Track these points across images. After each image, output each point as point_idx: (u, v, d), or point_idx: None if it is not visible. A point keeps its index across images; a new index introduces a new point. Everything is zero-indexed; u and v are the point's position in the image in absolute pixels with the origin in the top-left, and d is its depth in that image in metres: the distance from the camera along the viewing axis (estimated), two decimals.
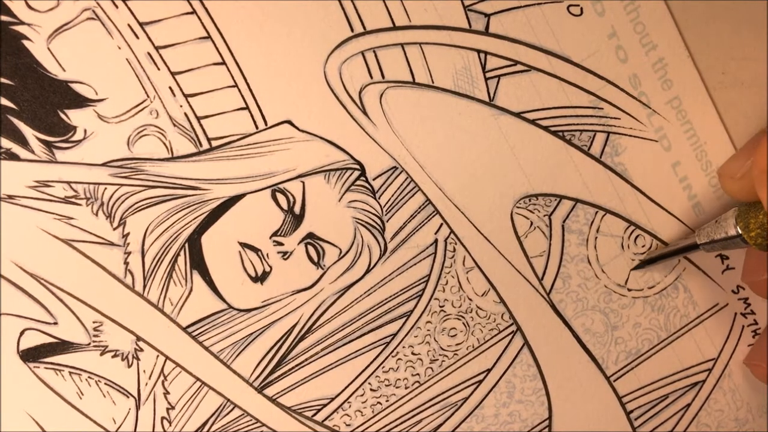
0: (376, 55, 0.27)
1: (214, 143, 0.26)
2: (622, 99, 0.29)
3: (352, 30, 0.26)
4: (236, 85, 0.26)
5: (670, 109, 0.29)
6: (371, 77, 0.27)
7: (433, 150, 0.28)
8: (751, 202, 0.27)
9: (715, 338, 0.32)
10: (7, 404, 0.26)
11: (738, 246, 0.26)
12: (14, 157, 0.25)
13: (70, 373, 0.27)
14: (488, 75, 0.28)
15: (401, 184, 0.28)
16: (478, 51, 0.27)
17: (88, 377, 0.27)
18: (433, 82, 0.27)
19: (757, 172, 0.23)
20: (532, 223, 0.29)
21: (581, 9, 0.28)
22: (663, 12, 0.28)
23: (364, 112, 0.27)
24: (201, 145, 0.26)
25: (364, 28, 0.26)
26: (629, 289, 0.31)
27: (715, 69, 0.28)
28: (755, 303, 0.32)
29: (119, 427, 0.27)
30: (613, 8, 0.28)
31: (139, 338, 0.27)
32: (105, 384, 0.27)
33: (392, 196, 0.28)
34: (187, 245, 0.27)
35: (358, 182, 0.27)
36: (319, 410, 0.29)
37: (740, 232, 0.26)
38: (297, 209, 0.27)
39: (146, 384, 0.27)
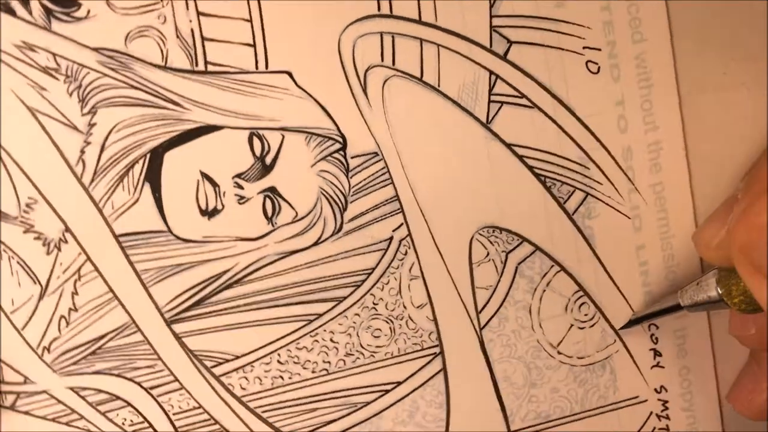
0: (393, 41, 0.26)
1: (210, 68, 0.25)
2: (610, 167, 0.29)
3: (378, 9, 0.26)
4: (251, 20, 0.25)
5: (652, 192, 0.29)
6: (382, 60, 0.27)
7: (418, 150, 0.27)
8: (730, 268, 0.26)
9: (626, 429, 0.31)
10: None
11: (721, 308, 0.25)
12: (11, 11, 0.24)
13: None
14: (493, 98, 0.28)
15: (376, 172, 0.27)
16: (491, 72, 0.27)
17: (4, 249, 0.25)
18: (438, 86, 0.27)
19: (736, 252, 0.22)
20: (488, 254, 0.29)
21: (599, 68, 0.28)
22: (672, 98, 0.28)
23: (364, 91, 0.27)
24: (197, 65, 0.25)
25: (391, 11, 0.26)
26: (559, 353, 0.30)
27: (715, 69, 0.28)
28: (673, 409, 0.31)
29: (16, 309, 0.26)
30: (628, 79, 0.28)
31: (67, 229, 0.26)
32: (17, 263, 0.26)
33: (364, 179, 0.27)
34: (148, 156, 0.26)
35: (335, 155, 0.27)
36: (220, 364, 0.28)
37: (722, 296, 0.25)
38: (268, 160, 0.26)
39: (58, 277, 0.26)
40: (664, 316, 0.29)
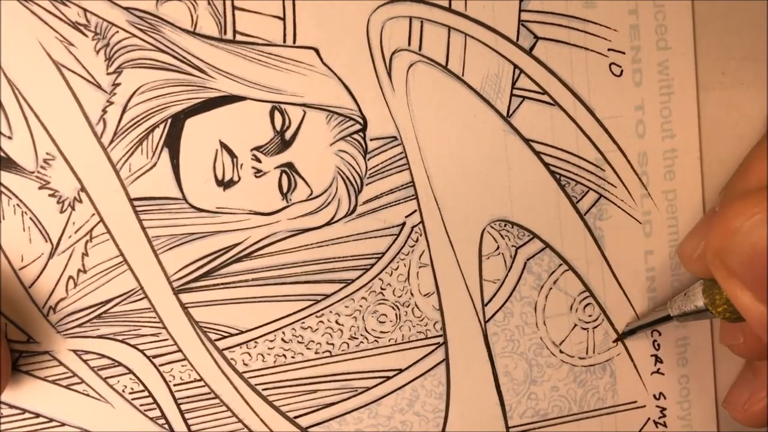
0: (422, 26, 0.25)
1: (238, 38, 0.24)
2: (625, 170, 0.28)
3: None
4: None
5: (664, 199, 0.28)
6: (409, 45, 0.25)
7: (437, 138, 0.26)
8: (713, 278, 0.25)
9: None
10: None
11: (709, 317, 0.25)
12: None
13: (2, 192, 0.24)
14: (515, 92, 0.26)
15: (394, 156, 0.26)
16: (515, 66, 0.26)
17: (17, 204, 0.24)
18: (462, 75, 0.26)
19: (711, 258, 0.22)
20: (498, 248, 0.28)
21: (622, 71, 0.27)
22: (692, 108, 0.27)
23: (389, 75, 0.25)
24: (225, 33, 0.24)
25: None
26: (561, 351, 0.29)
27: (715, 69, 0.27)
28: (670, 416, 0.30)
29: (25, 266, 0.25)
30: (650, 84, 0.27)
31: (83, 188, 0.24)
32: (30, 218, 0.24)
33: (381, 163, 0.26)
34: (169, 121, 0.24)
35: (355, 135, 0.26)
36: (224, 337, 0.26)
37: (707, 306, 0.24)
38: (288, 135, 0.25)
39: (70, 237, 0.25)
40: (654, 327, 0.28)
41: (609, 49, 0.26)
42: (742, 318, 0.23)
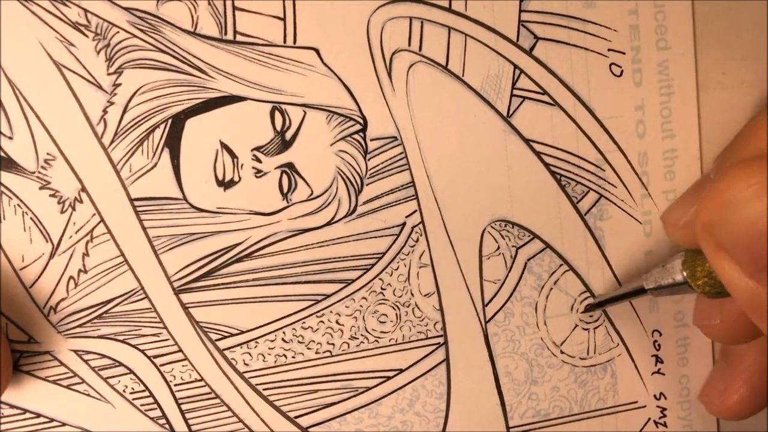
0: (422, 27, 0.25)
1: (239, 38, 0.24)
2: (625, 170, 0.27)
3: None
4: None
5: (664, 199, 0.28)
6: (409, 45, 0.25)
7: (437, 138, 0.26)
8: (697, 249, 0.24)
9: None
10: None
11: (685, 292, 0.23)
12: None
13: (2, 193, 0.24)
14: (515, 92, 0.26)
15: (394, 156, 0.26)
16: (516, 66, 0.26)
17: (18, 204, 0.24)
18: (462, 75, 0.26)
19: (700, 226, 0.20)
20: (498, 248, 0.27)
21: (622, 71, 0.27)
22: (692, 108, 0.27)
23: (389, 75, 0.25)
24: (226, 33, 0.24)
25: None
26: (562, 352, 0.29)
27: (715, 69, 0.27)
28: (670, 416, 0.30)
29: (26, 266, 0.24)
30: (650, 85, 0.27)
31: (83, 189, 0.24)
32: (31, 219, 0.24)
33: (381, 163, 0.26)
34: (170, 121, 0.24)
35: (355, 136, 0.26)
36: (225, 337, 0.26)
37: (687, 279, 0.23)
38: (288, 135, 0.25)
39: (71, 237, 0.25)
40: (628, 300, 0.27)
41: (609, 50, 0.26)
42: (721, 294, 0.21)
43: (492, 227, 0.27)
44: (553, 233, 0.27)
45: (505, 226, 0.27)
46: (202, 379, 0.26)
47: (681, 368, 0.29)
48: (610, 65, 0.26)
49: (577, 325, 0.28)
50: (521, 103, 0.26)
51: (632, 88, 0.27)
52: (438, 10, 0.25)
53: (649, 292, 0.25)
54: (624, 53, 0.26)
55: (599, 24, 0.26)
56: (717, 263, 0.20)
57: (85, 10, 0.23)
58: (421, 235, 0.27)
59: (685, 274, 0.23)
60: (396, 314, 0.27)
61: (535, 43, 0.26)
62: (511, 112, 0.26)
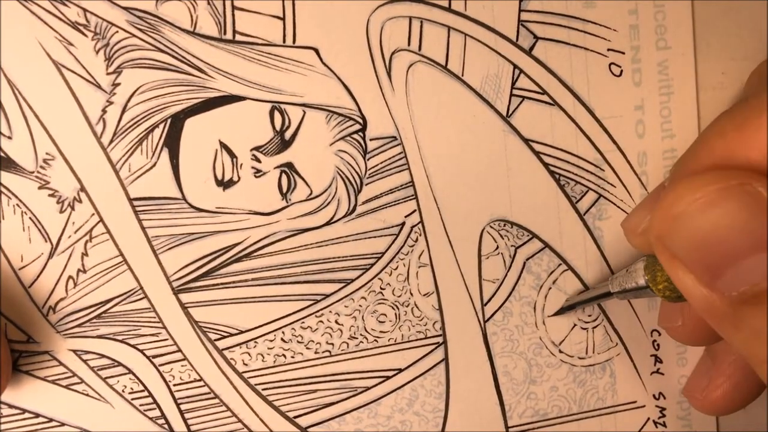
0: (421, 26, 0.25)
1: (238, 38, 0.24)
2: (624, 170, 0.27)
3: None
4: None
5: None
6: (409, 45, 0.25)
7: (436, 138, 0.26)
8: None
9: None
10: None
11: (649, 296, 0.24)
12: None
13: (1, 192, 0.24)
14: (514, 92, 0.26)
15: (393, 156, 0.26)
16: (515, 66, 0.26)
17: (17, 204, 0.24)
18: (462, 75, 0.26)
19: (654, 239, 0.20)
20: (497, 248, 0.27)
21: (621, 71, 0.27)
22: (691, 108, 0.27)
23: (389, 74, 0.25)
24: (225, 33, 0.24)
25: None
26: (561, 351, 0.29)
27: (715, 69, 0.26)
28: (670, 416, 0.30)
29: (25, 266, 0.24)
30: (649, 84, 0.27)
31: (82, 188, 0.24)
32: (30, 218, 0.24)
33: (381, 163, 0.26)
34: (169, 121, 0.24)
35: (354, 135, 0.25)
36: (224, 337, 0.26)
37: (648, 283, 0.23)
38: (288, 135, 0.25)
39: (69, 237, 0.24)
40: (596, 302, 0.27)
41: (609, 49, 0.26)
42: (682, 298, 0.21)
43: (491, 227, 0.27)
44: (552, 233, 0.27)
45: (504, 225, 0.27)
46: (201, 379, 0.26)
47: (680, 368, 0.29)
48: (610, 65, 0.26)
49: (575, 325, 0.28)
50: (521, 103, 0.26)
51: (632, 88, 0.27)
52: (438, 10, 0.25)
53: (614, 295, 0.25)
54: (624, 53, 0.26)
55: (599, 24, 0.26)
56: (672, 272, 0.20)
57: (85, 10, 0.23)
58: (420, 235, 0.27)
59: (646, 278, 0.23)
60: (395, 314, 0.27)
61: (534, 43, 0.26)
62: (510, 111, 0.26)
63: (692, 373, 0.28)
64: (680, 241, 0.19)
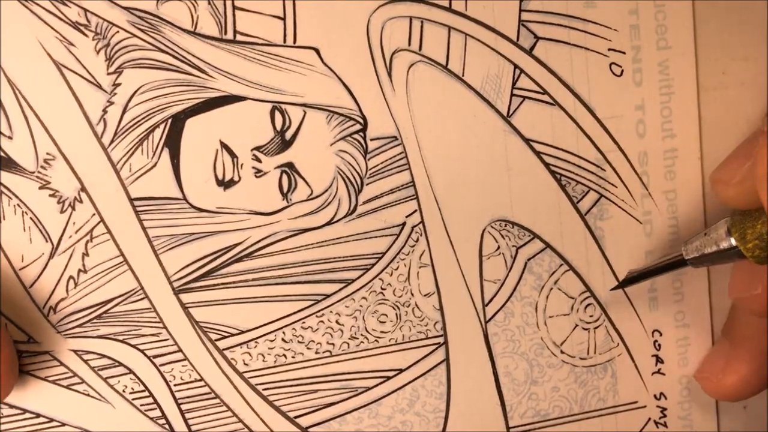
0: (422, 26, 0.25)
1: (239, 38, 0.24)
2: (625, 170, 0.27)
3: None
4: None
5: (665, 199, 0.28)
6: (409, 45, 0.25)
7: (437, 138, 0.26)
8: (746, 210, 0.22)
9: None
10: None
11: (730, 260, 0.22)
12: None
13: (2, 192, 0.24)
14: (515, 92, 0.26)
15: (394, 156, 0.26)
16: (516, 66, 0.26)
17: (18, 204, 0.24)
18: (462, 75, 0.26)
19: (759, 177, 0.19)
20: (498, 248, 0.27)
21: (622, 71, 0.26)
22: (692, 108, 0.27)
23: (389, 74, 0.25)
24: (226, 33, 0.24)
25: None
26: (562, 352, 0.28)
27: (715, 69, 0.26)
28: (671, 417, 0.30)
29: (26, 266, 0.24)
30: (650, 84, 0.27)
31: (83, 188, 0.24)
32: (31, 218, 0.24)
33: (381, 163, 0.26)
34: (170, 121, 0.24)
35: (355, 135, 0.25)
36: (224, 337, 0.26)
37: (735, 243, 0.21)
38: (288, 135, 0.25)
39: (70, 237, 0.24)
40: (665, 273, 0.25)
41: (609, 49, 0.26)
42: None
43: (492, 227, 0.27)
44: (553, 233, 0.27)
45: (505, 225, 0.27)
46: (201, 379, 0.26)
47: (681, 368, 0.29)
48: (611, 65, 0.26)
49: (577, 325, 0.28)
50: (521, 103, 0.26)
51: (632, 88, 0.26)
52: (438, 10, 0.25)
53: (689, 263, 0.23)
54: (624, 53, 0.26)
55: (599, 24, 0.26)
56: None
57: (85, 10, 0.23)
58: (421, 235, 0.26)
59: (734, 236, 0.22)
60: (396, 314, 0.27)
61: (535, 43, 0.26)
62: (511, 111, 0.26)
63: (707, 356, 0.27)
64: None
